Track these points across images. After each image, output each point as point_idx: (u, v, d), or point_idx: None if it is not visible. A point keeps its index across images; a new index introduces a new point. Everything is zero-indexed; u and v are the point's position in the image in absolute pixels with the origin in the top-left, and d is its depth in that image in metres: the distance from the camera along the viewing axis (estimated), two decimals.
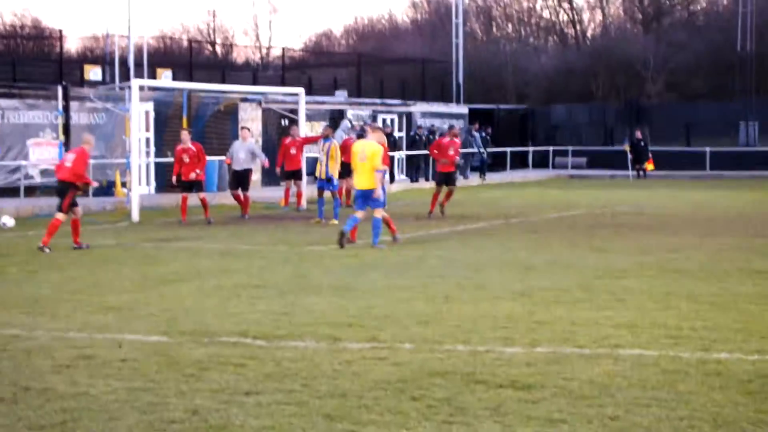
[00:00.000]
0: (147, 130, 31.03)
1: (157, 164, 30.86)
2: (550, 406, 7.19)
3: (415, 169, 39.60)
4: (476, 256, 15.96)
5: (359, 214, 17.55)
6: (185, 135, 23.01)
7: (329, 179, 22.33)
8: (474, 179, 40.56)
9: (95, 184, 19.24)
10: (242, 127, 26.39)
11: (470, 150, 40.29)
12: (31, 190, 27.10)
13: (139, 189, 24.58)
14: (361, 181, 17.50)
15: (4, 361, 8.62)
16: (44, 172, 28.15)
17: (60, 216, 17.13)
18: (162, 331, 9.88)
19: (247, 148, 24.34)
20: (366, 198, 17.47)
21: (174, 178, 23.36)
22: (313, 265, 14.94)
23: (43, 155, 28.30)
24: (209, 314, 10.78)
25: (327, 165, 22.27)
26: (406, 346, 9.17)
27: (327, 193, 22.58)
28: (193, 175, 22.55)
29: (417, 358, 8.65)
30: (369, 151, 17.35)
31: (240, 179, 24.02)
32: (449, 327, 10.03)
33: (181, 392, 7.56)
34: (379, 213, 17.43)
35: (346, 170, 23.06)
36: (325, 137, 22.87)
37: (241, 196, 23.84)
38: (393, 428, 6.69)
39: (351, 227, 17.38)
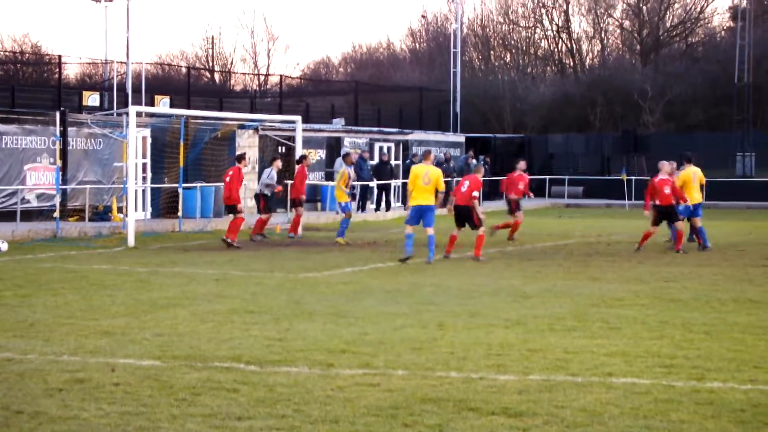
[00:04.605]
0: (144, 156, 31.07)
1: (153, 190, 30.89)
2: None
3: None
4: (470, 283, 15.96)
5: (410, 229, 19.48)
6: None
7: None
8: None
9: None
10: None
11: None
12: (27, 215, 27.09)
13: (136, 214, 24.58)
14: (419, 198, 19.46)
15: None
16: (40, 197, 28.19)
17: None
18: (155, 355, 9.87)
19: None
20: (422, 214, 19.43)
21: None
22: (308, 291, 14.94)
23: (39, 180, 28.33)
24: (203, 339, 10.77)
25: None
26: (398, 372, 9.17)
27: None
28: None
29: (410, 385, 8.65)
30: (433, 175, 19.50)
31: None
32: (442, 354, 10.02)
33: (173, 416, 7.55)
34: (431, 231, 19.28)
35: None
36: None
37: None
38: None
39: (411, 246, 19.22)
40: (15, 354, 9.91)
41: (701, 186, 23.03)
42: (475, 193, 20.08)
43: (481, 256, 20.01)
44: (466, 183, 20.38)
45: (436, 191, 19.64)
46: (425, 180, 19.48)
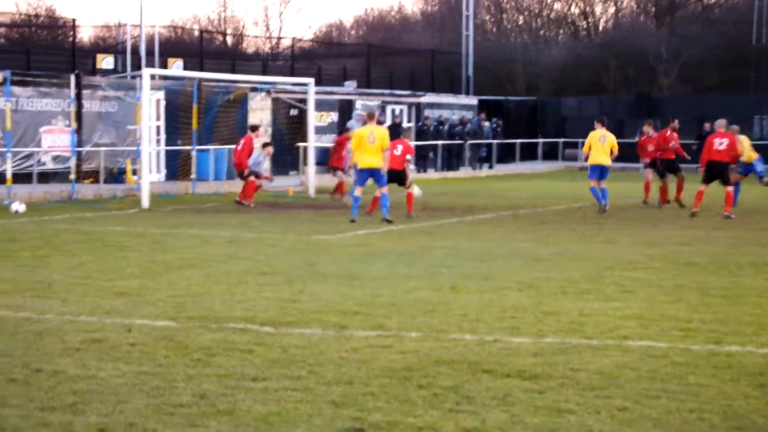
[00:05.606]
0: (158, 118, 31.07)
1: (167, 152, 30.91)
2: (557, 396, 7.18)
3: (422, 159, 39.60)
4: (483, 246, 15.94)
5: (359, 191, 19.91)
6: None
7: None
8: (483, 170, 40.65)
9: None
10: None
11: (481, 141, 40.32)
12: (43, 177, 27.19)
13: (150, 176, 24.62)
14: (367, 160, 19.69)
15: (16, 343, 8.66)
16: (56, 159, 28.26)
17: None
18: (170, 316, 9.90)
19: None
20: (372, 175, 19.78)
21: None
22: (321, 253, 14.95)
23: (55, 142, 28.38)
24: (217, 300, 10.80)
25: None
26: (412, 334, 9.17)
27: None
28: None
29: (423, 347, 8.65)
30: (378, 134, 19.70)
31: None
32: (455, 316, 10.02)
33: (188, 377, 7.58)
34: (386, 189, 19.76)
35: None
36: None
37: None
38: (399, 416, 6.70)
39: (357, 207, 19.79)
40: (33, 313, 9.97)
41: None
42: (408, 157, 21.16)
43: (413, 212, 20.88)
44: (399, 147, 20.95)
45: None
46: (370, 140, 19.61)
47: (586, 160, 22.85)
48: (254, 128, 25.30)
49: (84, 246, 15.57)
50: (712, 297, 11.25)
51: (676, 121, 25.28)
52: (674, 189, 24.16)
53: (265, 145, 25.95)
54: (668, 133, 24.91)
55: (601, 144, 22.42)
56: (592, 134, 22.68)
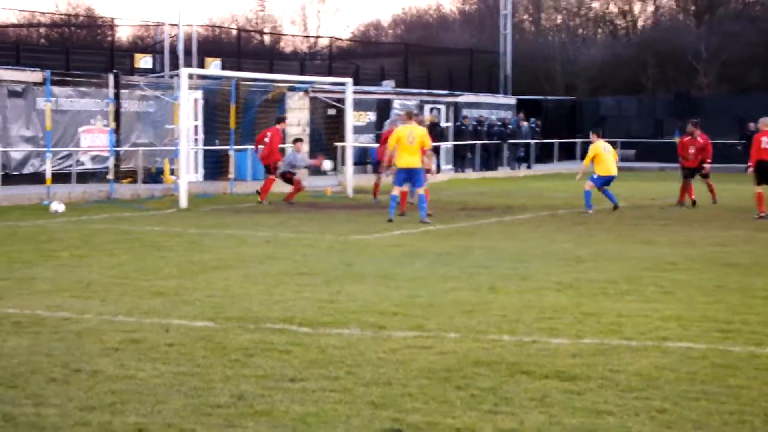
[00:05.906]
0: (195, 118, 31.22)
1: (205, 152, 31.04)
2: (596, 397, 7.13)
3: (461, 159, 39.55)
4: (522, 247, 15.89)
5: (397, 190, 19.83)
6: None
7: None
8: (521, 170, 40.55)
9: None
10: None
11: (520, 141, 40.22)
12: (82, 177, 27.39)
13: (188, 176, 24.75)
14: (406, 159, 19.59)
15: (56, 342, 8.72)
16: (95, 159, 28.46)
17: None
18: (208, 316, 9.93)
19: None
20: (410, 175, 19.69)
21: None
22: (358, 253, 14.95)
23: (94, 142, 28.59)
24: (255, 301, 10.82)
25: None
26: (450, 335, 9.14)
27: None
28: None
29: (462, 348, 8.62)
30: (417, 133, 19.65)
31: None
32: (494, 317, 9.98)
33: (226, 377, 7.60)
34: (422, 190, 19.70)
35: None
36: None
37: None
38: (437, 417, 6.67)
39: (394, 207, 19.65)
40: (73, 313, 10.03)
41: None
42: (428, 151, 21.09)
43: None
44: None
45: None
46: (410, 139, 19.60)
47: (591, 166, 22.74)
48: (281, 120, 25.67)
49: (122, 246, 15.66)
50: (753, 298, 11.13)
51: (689, 126, 24.91)
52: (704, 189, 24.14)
53: (295, 141, 26.02)
54: (686, 138, 24.65)
55: (607, 154, 22.44)
56: (594, 147, 22.68)
